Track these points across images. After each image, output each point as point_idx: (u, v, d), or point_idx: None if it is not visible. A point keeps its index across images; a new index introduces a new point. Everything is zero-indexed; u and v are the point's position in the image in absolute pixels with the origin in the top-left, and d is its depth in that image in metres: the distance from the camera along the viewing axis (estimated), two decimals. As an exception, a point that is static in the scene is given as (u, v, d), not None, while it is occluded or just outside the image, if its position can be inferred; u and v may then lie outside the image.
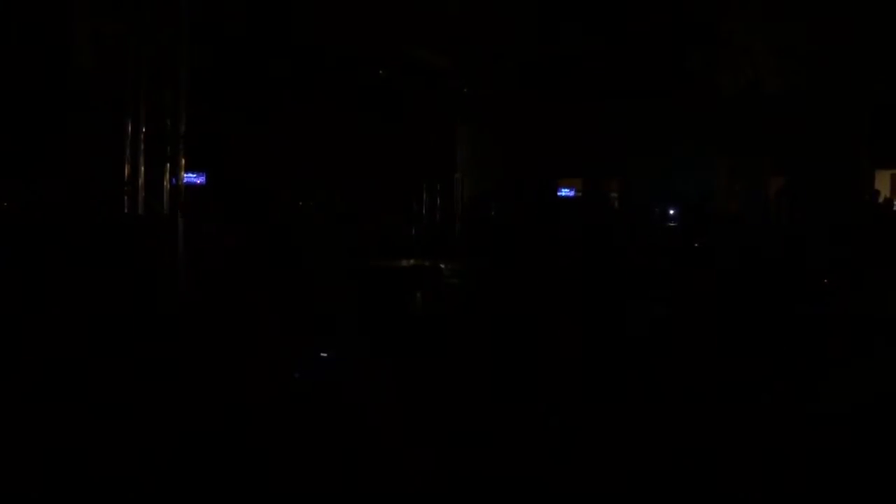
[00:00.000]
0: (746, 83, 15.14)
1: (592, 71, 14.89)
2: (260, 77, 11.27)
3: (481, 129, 16.46)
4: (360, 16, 13.02)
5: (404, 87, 14.85)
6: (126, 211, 8.53)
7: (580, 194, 16.09)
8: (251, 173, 11.95)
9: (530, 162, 15.81)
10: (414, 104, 15.04)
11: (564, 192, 16.08)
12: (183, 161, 8.96)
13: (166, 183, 8.65)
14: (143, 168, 8.55)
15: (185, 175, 10.24)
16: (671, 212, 14.62)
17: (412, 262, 12.68)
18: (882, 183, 17.32)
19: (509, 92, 15.59)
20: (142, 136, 8.21)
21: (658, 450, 4.87)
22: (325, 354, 7.16)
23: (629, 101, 15.13)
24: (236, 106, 10.78)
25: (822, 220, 12.39)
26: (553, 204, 14.88)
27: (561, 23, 14.87)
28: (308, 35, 12.66)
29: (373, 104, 14.49)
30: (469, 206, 15.65)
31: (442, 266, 12.43)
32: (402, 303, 10.81)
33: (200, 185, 12.89)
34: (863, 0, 14.06)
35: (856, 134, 14.97)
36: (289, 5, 11.58)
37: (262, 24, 11.10)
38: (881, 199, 14.58)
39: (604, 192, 13.86)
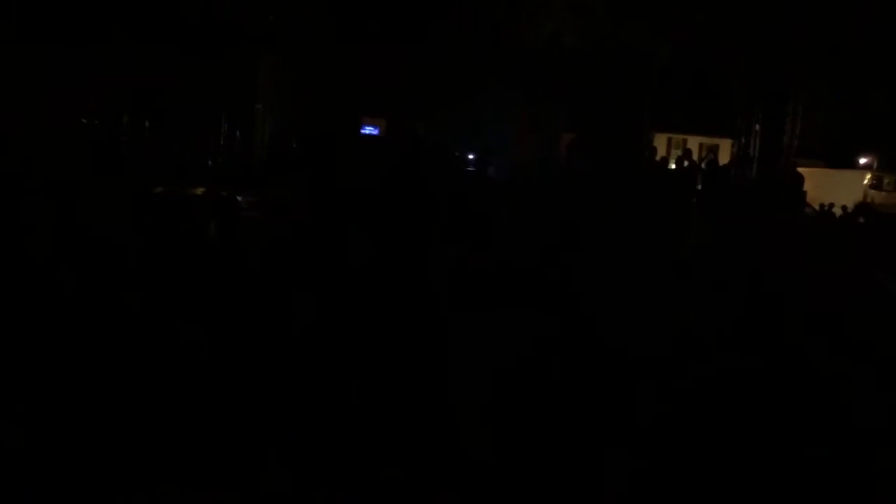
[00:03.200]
0: (546, 37, 15.76)
1: (390, 14, 14.89)
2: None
3: (285, 61, 16.01)
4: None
5: (206, 13, 14.11)
6: None
7: (384, 134, 16.17)
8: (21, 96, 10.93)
9: (334, 98, 15.62)
10: (216, 32, 14.34)
11: (368, 129, 16.07)
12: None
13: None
14: None
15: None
16: (470, 157, 15.00)
17: (206, 191, 12.18)
18: (659, 143, 18.81)
19: (316, 25, 15.27)
20: None
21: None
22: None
23: (437, 47, 15.29)
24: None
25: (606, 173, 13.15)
26: (354, 140, 14.82)
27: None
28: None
29: (171, 30, 13.66)
30: (271, 139, 15.24)
31: (239, 198, 12.03)
32: (195, 232, 10.37)
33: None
34: None
35: (641, 95, 16.01)
36: None
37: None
38: (658, 157, 15.80)
39: (411, 131, 13.95)
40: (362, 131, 15.78)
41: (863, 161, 19.30)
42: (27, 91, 11.46)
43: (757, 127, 13.56)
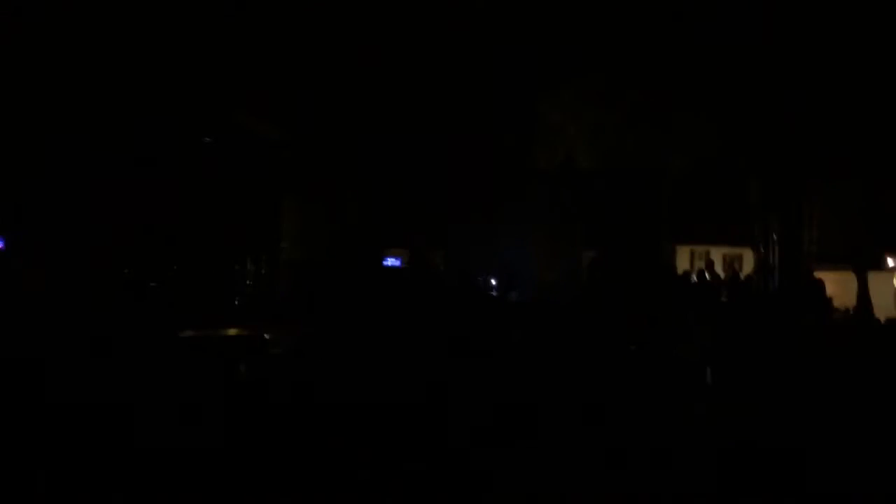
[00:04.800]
0: (561, 161, 16.13)
1: (416, 143, 15.40)
2: (74, 136, 10.82)
3: (308, 198, 16.51)
4: (185, 80, 12.89)
5: (230, 154, 14.73)
6: None
7: (406, 263, 16.42)
8: (58, 239, 11.33)
9: (356, 232, 16.00)
10: (239, 171, 14.92)
11: (391, 260, 16.34)
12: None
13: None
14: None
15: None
16: (493, 281, 15.14)
17: (235, 331, 12.35)
18: (682, 256, 18.79)
19: (335, 161, 15.81)
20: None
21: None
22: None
23: (452, 173, 15.72)
24: (40, 163, 10.28)
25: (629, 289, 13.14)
26: (377, 272, 15.06)
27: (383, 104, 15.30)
28: (131, 97, 12.36)
29: (196, 170, 14.25)
30: (293, 276, 15.53)
31: (266, 336, 12.16)
32: (226, 374, 10.41)
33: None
34: (664, 85, 15.26)
35: (656, 210, 16.17)
36: (111, 60, 11.27)
37: (79, 79, 10.72)
38: (681, 271, 15.80)
39: (428, 261, 14.22)
40: (384, 263, 16.05)
41: (891, 263, 19.06)
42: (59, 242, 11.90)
43: (774, 236, 13.57)
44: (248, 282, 15.75)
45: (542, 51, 14.69)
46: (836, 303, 13.73)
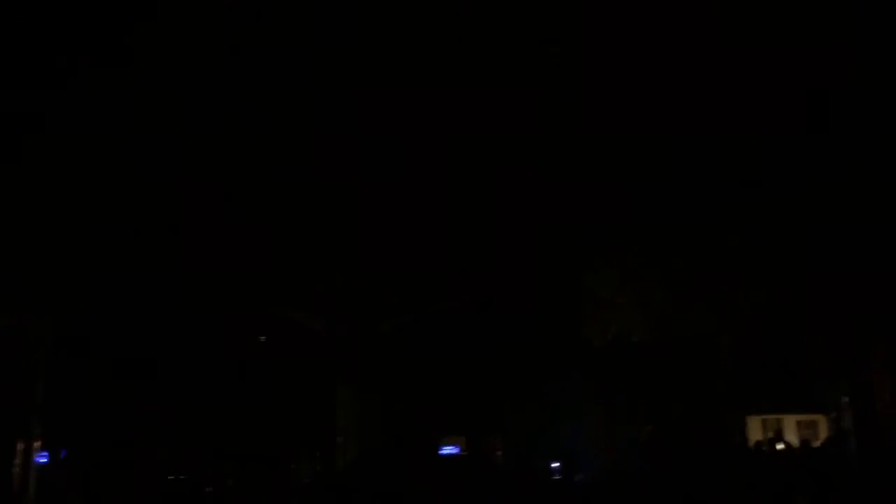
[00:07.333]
0: (614, 335, 15.89)
1: (462, 331, 15.43)
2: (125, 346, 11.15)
3: (362, 389, 16.43)
4: (237, 283, 13.30)
5: (281, 350, 14.92)
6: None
7: (464, 452, 15.99)
8: (114, 446, 11.40)
9: (412, 422, 15.75)
10: (291, 368, 15.05)
11: (448, 449, 15.93)
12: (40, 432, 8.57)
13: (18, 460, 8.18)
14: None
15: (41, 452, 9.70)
16: (553, 465, 14.57)
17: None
18: (754, 426, 17.96)
19: (386, 351, 15.86)
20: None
21: None
22: None
23: (504, 357, 15.59)
24: (98, 373, 10.53)
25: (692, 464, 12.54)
26: (435, 463, 14.63)
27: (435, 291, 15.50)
28: (186, 303, 12.78)
29: (249, 369, 14.43)
30: (343, 472, 15.16)
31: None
32: None
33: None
34: (712, 251, 15.10)
35: (715, 379, 15.67)
36: (171, 272, 11.74)
37: (131, 289, 11.18)
38: (752, 442, 15.05)
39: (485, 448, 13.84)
40: (441, 452, 15.67)
41: None
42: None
43: (845, 399, 12.93)
44: (304, 480, 15.48)
45: (585, 226, 14.83)
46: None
